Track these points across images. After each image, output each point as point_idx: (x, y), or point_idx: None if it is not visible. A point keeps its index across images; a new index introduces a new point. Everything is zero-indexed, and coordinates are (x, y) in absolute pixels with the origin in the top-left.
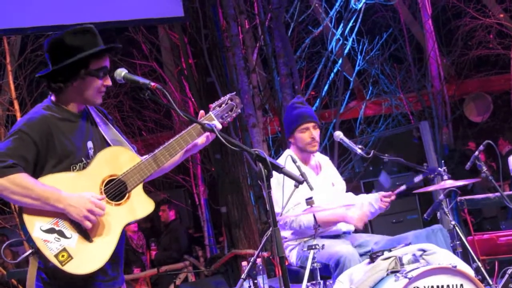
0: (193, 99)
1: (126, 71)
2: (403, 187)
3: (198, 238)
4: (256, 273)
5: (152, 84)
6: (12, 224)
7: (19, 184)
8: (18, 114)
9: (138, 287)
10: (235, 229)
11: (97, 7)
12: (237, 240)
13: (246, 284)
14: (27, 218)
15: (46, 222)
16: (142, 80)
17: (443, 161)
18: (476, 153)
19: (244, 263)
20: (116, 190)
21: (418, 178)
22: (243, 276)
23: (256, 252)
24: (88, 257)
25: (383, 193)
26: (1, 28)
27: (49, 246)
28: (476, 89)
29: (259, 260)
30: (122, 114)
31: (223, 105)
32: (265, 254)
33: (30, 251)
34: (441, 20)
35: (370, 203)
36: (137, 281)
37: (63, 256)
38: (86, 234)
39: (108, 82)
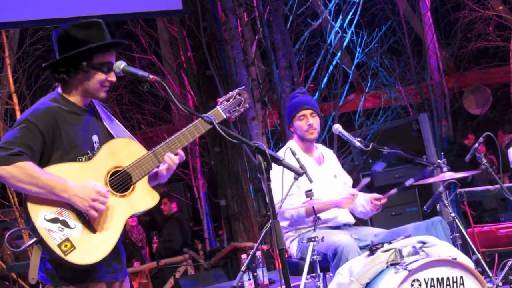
0: (192, 92)
1: (125, 63)
2: (394, 191)
3: (197, 231)
4: (256, 266)
5: (151, 76)
6: (12, 218)
7: (25, 172)
8: (17, 107)
9: (137, 280)
10: (235, 222)
11: (96, 0)
12: (237, 233)
13: (245, 277)
14: (31, 207)
15: (50, 212)
16: (141, 72)
17: (442, 153)
18: (476, 145)
19: (243, 256)
20: (121, 181)
21: (409, 182)
22: (242, 268)
23: (256, 245)
24: (91, 247)
25: (375, 195)
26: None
27: (52, 236)
28: (475, 82)
29: (258, 253)
30: (121, 107)
31: (231, 99)
32: (265, 247)
33: (34, 239)
34: (440, 13)
35: (361, 204)
36: (137, 274)
37: (66, 246)
38: (90, 224)
39: (113, 78)
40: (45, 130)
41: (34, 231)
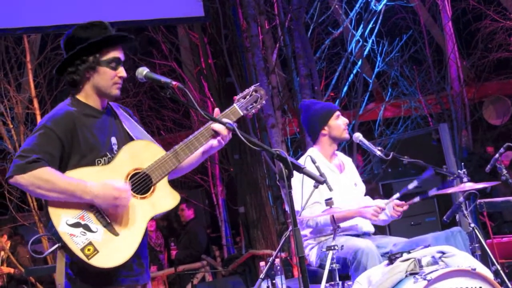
0: (212, 99)
1: (148, 70)
2: (417, 199)
3: (215, 238)
4: (274, 273)
5: (174, 83)
6: (31, 222)
7: (43, 178)
8: (37, 112)
9: (155, 286)
10: (253, 229)
11: (118, 7)
12: (255, 240)
13: (264, 284)
14: (52, 213)
15: (72, 216)
16: (163, 79)
17: (462, 164)
18: (497, 155)
19: (262, 263)
20: (141, 183)
21: (432, 192)
22: (261, 276)
23: (275, 252)
24: (114, 250)
25: (397, 201)
26: (22, 27)
27: (75, 240)
28: (495, 92)
29: (277, 261)
30: (141, 113)
31: (248, 96)
32: (283, 254)
33: (56, 245)
34: (461, 23)
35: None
36: (154, 280)
37: (89, 250)
38: (112, 227)
39: (123, 73)
40: (63, 135)
41: (56, 237)
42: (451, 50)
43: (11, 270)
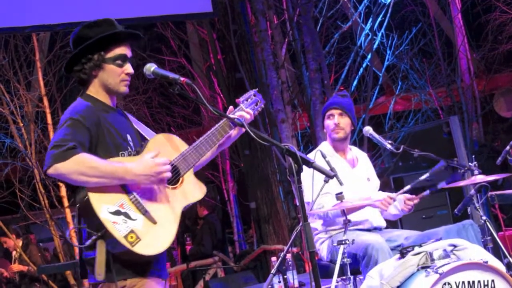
0: (221, 95)
1: (156, 66)
2: (426, 192)
3: (227, 233)
4: (286, 268)
5: (182, 79)
6: (42, 220)
7: (84, 163)
8: (47, 110)
9: (168, 282)
10: (264, 225)
11: (126, 3)
12: (266, 236)
13: (275, 280)
14: (94, 201)
15: (112, 204)
16: (171, 75)
17: (473, 156)
18: (508, 148)
19: (273, 259)
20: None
21: (442, 185)
22: (273, 271)
23: (286, 248)
24: (155, 238)
25: (407, 195)
26: (31, 25)
27: (118, 228)
28: (506, 84)
29: (288, 256)
30: (151, 110)
31: (249, 99)
32: (295, 249)
33: (96, 235)
34: (470, 15)
35: (394, 205)
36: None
37: (132, 237)
38: (150, 215)
39: (130, 70)
40: (89, 125)
41: (97, 224)
42: (461, 42)
43: (24, 268)
